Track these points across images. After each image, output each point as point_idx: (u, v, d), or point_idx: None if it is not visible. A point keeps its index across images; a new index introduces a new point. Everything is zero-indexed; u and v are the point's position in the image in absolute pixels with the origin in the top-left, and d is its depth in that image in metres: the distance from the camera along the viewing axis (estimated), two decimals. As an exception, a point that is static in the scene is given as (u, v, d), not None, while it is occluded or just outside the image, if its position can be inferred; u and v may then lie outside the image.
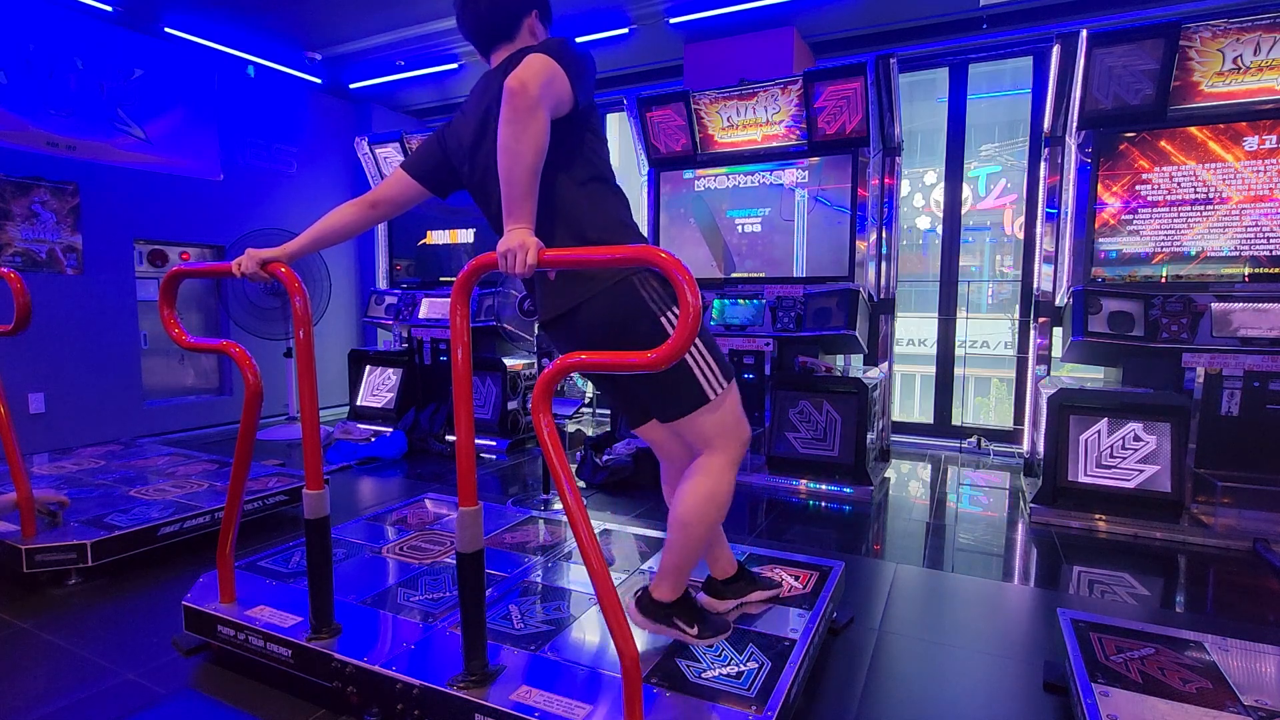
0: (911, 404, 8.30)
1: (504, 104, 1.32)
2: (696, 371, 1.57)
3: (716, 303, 4.25)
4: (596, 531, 2.01)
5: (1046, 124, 3.67)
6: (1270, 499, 2.94)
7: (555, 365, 1.33)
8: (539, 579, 2.13)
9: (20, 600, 2.28)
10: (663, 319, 1.53)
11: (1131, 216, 3.36)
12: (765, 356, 4.07)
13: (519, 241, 1.33)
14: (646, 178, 4.68)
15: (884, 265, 4.16)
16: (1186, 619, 2.31)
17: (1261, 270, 3.14)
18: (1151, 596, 2.48)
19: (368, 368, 5.43)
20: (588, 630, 1.79)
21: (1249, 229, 3.16)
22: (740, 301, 4.22)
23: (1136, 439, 3.13)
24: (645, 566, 2.21)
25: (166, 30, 4.82)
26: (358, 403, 5.35)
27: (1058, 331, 3.66)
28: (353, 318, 6.46)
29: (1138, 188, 3.34)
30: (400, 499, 3.24)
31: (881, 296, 4.17)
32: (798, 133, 4.16)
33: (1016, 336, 4.70)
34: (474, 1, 1.64)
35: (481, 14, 1.64)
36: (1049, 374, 3.76)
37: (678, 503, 1.63)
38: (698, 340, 1.58)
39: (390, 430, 4.76)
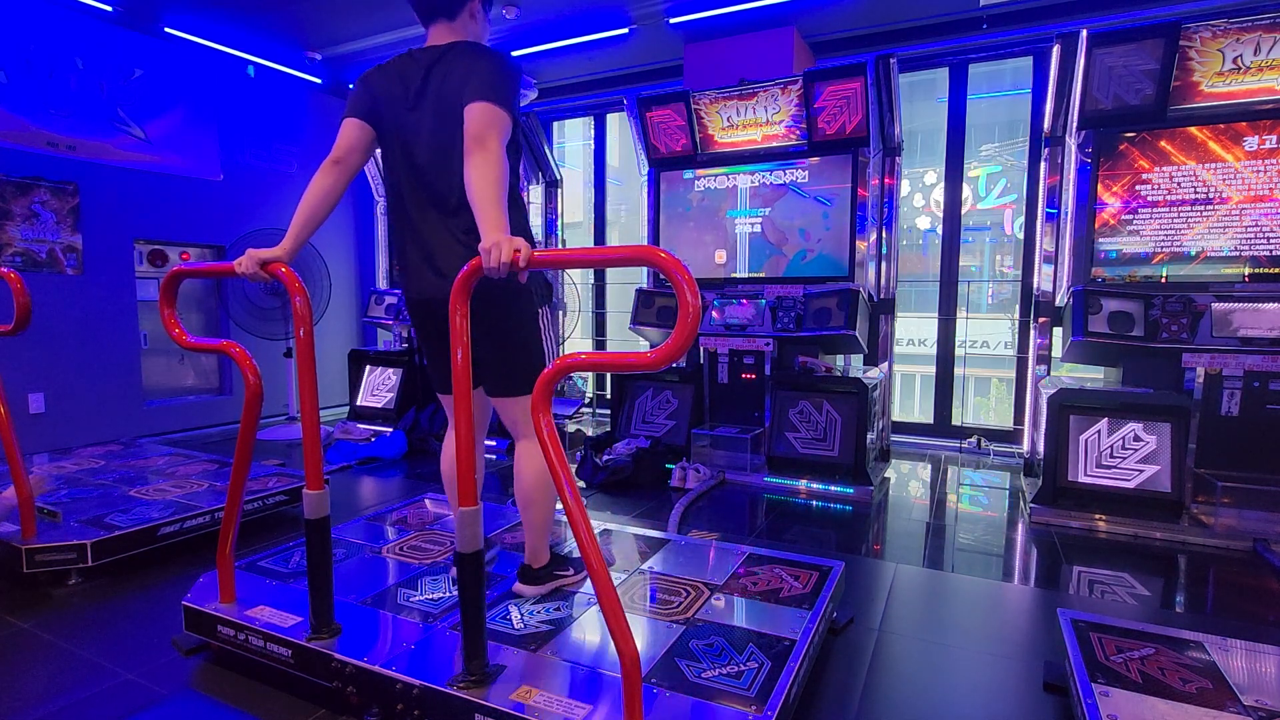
0: (911, 404, 8.29)
1: (469, 154, 1.59)
2: (546, 350, 1.88)
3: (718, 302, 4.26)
4: (596, 531, 2.01)
5: (1046, 124, 3.67)
6: (1270, 499, 2.94)
7: (555, 365, 1.33)
8: (539, 579, 2.12)
9: (20, 600, 2.28)
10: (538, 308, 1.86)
11: (1131, 216, 3.36)
12: (765, 356, 4.07)
13: (498, 240, 1.41)
14: (646, 178, 4.68)
15: (884, 265, 4.16)
16: (1186, 619, 2.31)
17: (1261, 270, 3.15)
18: (1151, 596, 2.48)
19: (368, 368, 5.43)
20: (588, 630, 1.79)
21: (1249, 229, 3.16)
22: (740, 301, 4.22)
23: (1136, 439, 3.13)
24: (645, 566, 2.21)
25: (166, 30, 4.82)
26: (358, 403, 5.35)
27: (1058, 331, 3.66)
28: (353, 318, 6.46)
29: (1138, 188, 3.34)
30: (400, 499, 3.24)
31: (881, 296, 4.17)
32: (798, 133, 4.16)
33: (1016, 336, 4.70)
34: None
35: None
36: (1049, 374, 3.76)
37: (520, 488, 1.92)
38: (553, 335, 1.89)
39: (390, 430, 4.76)
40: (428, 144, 1.76)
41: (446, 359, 1.95)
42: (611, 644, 1.36)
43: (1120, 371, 3.46)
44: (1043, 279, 3.75)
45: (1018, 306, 4.63)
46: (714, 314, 4.23)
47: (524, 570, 1.99)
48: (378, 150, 1.90)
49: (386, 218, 1.94)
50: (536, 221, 5.52)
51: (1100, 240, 3.41)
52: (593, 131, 6.14)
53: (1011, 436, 4.61)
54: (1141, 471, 3.09)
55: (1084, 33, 3.30)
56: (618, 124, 6.70)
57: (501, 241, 1.39)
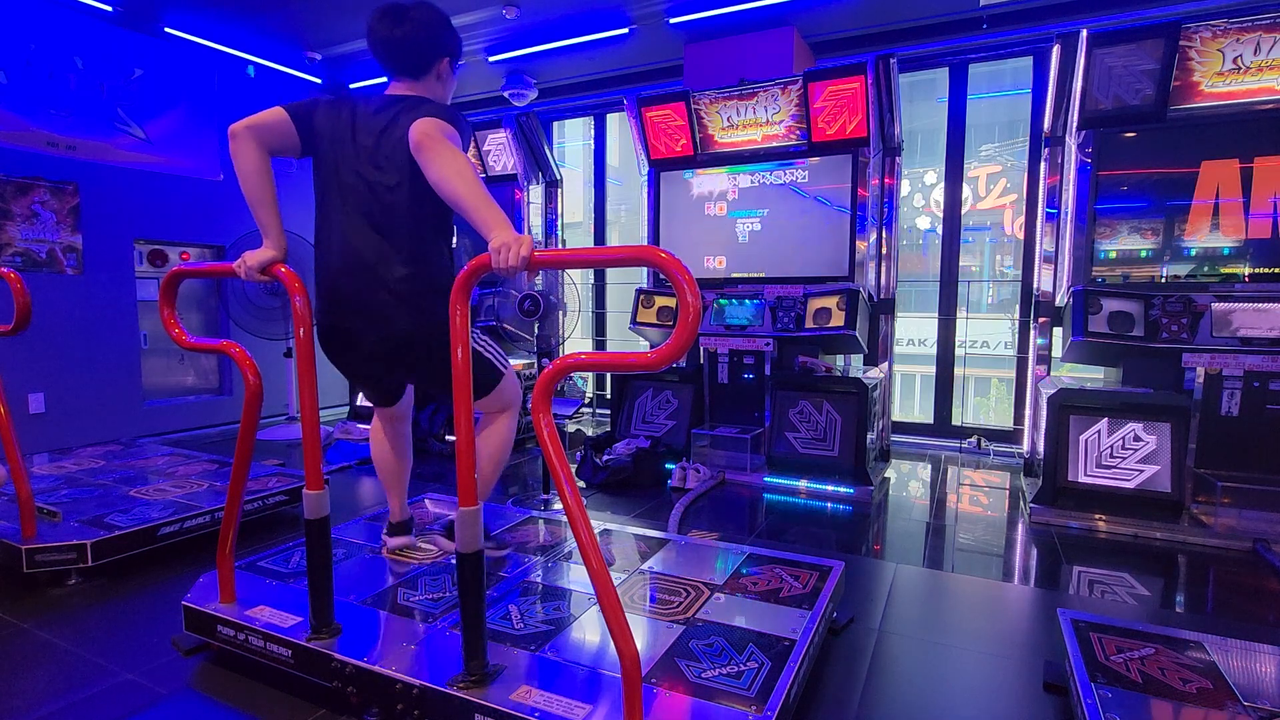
0: (911, 404, 8.29)
1: (425, 153, 1.61)
2: (490, 358, 2.02)
3: (718, 302, 4.26)
4: (596, 531, 2.01)
5: (1046, 124, 3.67)
6: (1270, 499, 2.94)
7: (555, 365, 1.33)
8: (539, 579, 2.13)
9: (20, 600, 2.28)
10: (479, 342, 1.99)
11: (1131, 216, 3.36)
12: (765, 356, 4.07)
13: (513, 237, 1.40)
14: (646, 178, 4.68)
15: (884, 265, 4.16)
16: (1186, 619, 2.31)
17: (1261, 270, 3.14)
18: (1151, 596, 2.48)
19: (368, 368, 5.42)
20: (588, 630, 1.79)
21: (1249, 229, 3.16)
22: (740, 301, 4.22)
23: (1136, 439, 3.13)
24: (645, 566, 2.21)
25: (166, 30, 4.82)
26: (358, 403, 5.34)
27: (1058, 331, 3.66)
28: (353, 318, 6.46)
29: (1138, 188, 3.34)
30: (400, 499, 3.24)
31: (881, 296, 4.17)
32: (798, 133, 4.16)
33: (1016, 336, 4.70)
34: (392, 34, 1.84)
35: (401, 48, 1.86)
36: (1049, 374, 3.76)
37: (485, 447, 2.07)
38: (483, 337, 2.03)
39: (390, 430, 4.75)
40: (376, 194, 1.81)
41: (382, 380, 2.09)
42: (611, 644, 1.37)
43: (1120, 371, 3.45)
44: (1043, 279, 3.75)
45: (1018, 306, 4.63)
46: (714, 314, 4.23)
47: (450, 525, 2.23)
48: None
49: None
50: (536, 221, 5.52)
51: (1100, 240, 3.41)
52: (593, 131, 6.14)
53: (1011, 436, 4.61)
54: (1141, 471, 3.09)
55: (1084, 33, 3.30)
56: (618, 124, 6.69)
57: (511, 241, 1.38)
